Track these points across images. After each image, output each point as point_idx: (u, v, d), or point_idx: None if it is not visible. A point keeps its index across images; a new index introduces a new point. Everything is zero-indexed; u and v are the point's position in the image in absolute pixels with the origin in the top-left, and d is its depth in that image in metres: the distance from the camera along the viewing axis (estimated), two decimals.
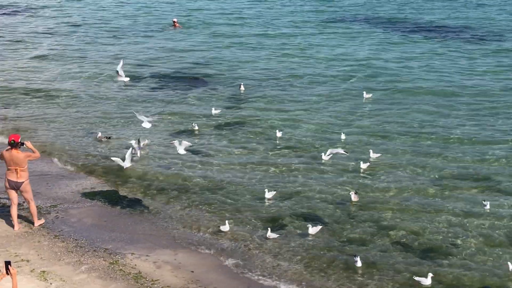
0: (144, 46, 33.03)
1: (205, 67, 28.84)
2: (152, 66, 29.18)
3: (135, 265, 12.91)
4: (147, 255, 13.38)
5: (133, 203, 15.94)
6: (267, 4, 46.46)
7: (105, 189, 16.66)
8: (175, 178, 17.36)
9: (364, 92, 23.77)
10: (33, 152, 13.90)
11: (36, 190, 16.23)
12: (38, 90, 25.52)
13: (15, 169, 13.69)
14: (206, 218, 15.21)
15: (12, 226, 14.13)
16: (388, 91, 24.94)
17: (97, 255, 13.19)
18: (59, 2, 46.85)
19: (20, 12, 43.22)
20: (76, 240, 13.87)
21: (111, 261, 12.95)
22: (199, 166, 18.17)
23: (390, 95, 24.46)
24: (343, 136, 19.47)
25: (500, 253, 13.55)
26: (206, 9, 44.60)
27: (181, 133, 20.60)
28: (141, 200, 16.12)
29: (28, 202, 14.18)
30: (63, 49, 32.57)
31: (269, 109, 22.95)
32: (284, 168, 17.89)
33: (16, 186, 13.84)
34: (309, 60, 29.95)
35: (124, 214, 15.40)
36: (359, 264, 12.86)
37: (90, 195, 15.99)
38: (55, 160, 18.72)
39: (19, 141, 13.66)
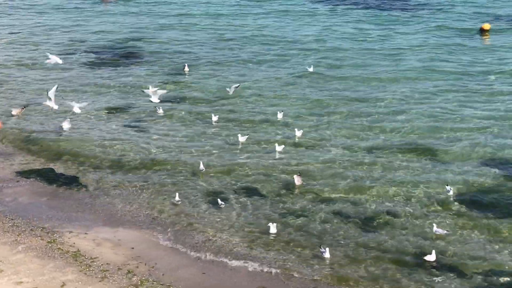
0: (74, 23, 31.95)
1: (140, 43, 28.28)
2: (85, 42, 28.49)
3: (74, 243, 12.79)
4: (85, 233, 13.26)
5: (70, 181, 15.71)
6: None
7: (41, 167, 16.34)
8: (111, 155, 17.14)
9: (308, 67, 23.68)
10: None
11: None
12: None
13: None
14: (144, 195, 15.10)
15: None
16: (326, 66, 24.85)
17: (34, 234, 13.01)
18: None
19: None
20: (12, 219, 13.65)
21: (49, 240, 12.79)
22: (135, 143, 17.92)
23: (328, 70, 24.33)
24: (280, 116, 19.25)
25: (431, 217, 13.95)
26: None
27: (118, 111, 20.28)
28: (78, 177, 15.90)
29: None
30: None
31: (208, 87, 22.64)
32: (224, 145, 17.78)
33: None
34: (250, 39, 29.23)
35: (61, 192, 15.18)
36: (327, 255, 12.63)
37: (25, 174, 15.69)
38: None
39: None
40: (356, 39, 28.41)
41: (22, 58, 26.04)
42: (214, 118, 18.97)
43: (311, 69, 23.57)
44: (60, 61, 20.71)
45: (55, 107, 18.92)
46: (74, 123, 19.01)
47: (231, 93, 19.93)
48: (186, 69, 23.95)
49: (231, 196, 14.98)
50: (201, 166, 15.39)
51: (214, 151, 17.34)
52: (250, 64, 25.06)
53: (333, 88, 22.18)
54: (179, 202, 14.58)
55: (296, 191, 15.08)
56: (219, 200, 14.54)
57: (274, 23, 31.65)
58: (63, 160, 16.84)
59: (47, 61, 20.85)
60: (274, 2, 36.38)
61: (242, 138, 17.40)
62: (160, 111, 19.60)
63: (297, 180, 15.22)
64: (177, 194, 14.70)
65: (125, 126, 18.88)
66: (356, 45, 27.34)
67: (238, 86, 20.18)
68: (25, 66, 25.10)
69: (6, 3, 35.77)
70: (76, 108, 19.07)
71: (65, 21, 32.23)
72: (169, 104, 20.72)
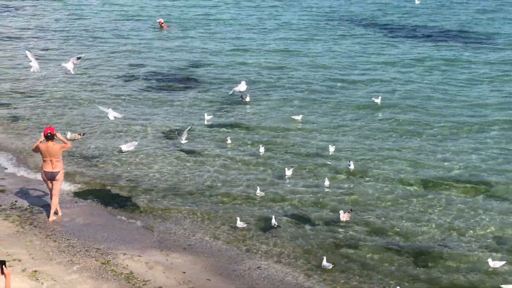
0: (131, 48, 32.57)
1: (195, 69, 28.64)
2: (142, 67, 28.99)
3: (127, 265, 12.92)
4: (139, 255, 13.39)
5: (125, 203, 15.93)
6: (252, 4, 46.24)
7: (97, 189, 16.64)
8: (167, 179, 17.34)
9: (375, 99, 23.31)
10: (65, 143, 14.59)
11: (28, 189, 16.28)
12: (24, 91, 25.40)
13: (50, 160, 14.32)
14: (197, 219, 15.22)
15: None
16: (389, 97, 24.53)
17: (89, 255, 13.19)
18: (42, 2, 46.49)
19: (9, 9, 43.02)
20: (68, 239, 13.87)
21: (103, 261, 12.96)
22: (191, 167, 18.15)
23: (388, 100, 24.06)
24: (331, 149, 19.02)
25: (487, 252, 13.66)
26: (193, 10, 44.10)
27: (171, 133, 20.53)
28: (132, 200, 16.12)
29: (54, 194, 14.68)
30: (51, 49, 32.35)
31: (263, 114, 22.68)
32: (276, 172, 17.78)
33: (52, 177, 14.45)
34: (306, 65, 29.30)
35: (116, 214, 15.40)
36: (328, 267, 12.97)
37: (83, 195, 15.98)
38: None
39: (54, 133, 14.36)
40: (421, 70, 28.13)
41: (85, 80, 26.53)
42: (261, 149, 18.91)
43: (378, 101, 23.11)
44: (70, 69, 20.75)
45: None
46: (135, 144, 19.29)
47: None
48: (247, 99, 23.66)
49: (283, 224, 14.95)
50: (273, 221, 14.91)
51: (265, 180, 17.36)
52: (309, 92, 24.93)
53: (389, 120, 21.95)
54: (244, 225, 14.65)
55: (348, 223, 14.95)
56: (273, 219, 14.63)
57: (339, 50, 31.63)
58: (119, 182, 17.08)
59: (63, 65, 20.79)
60: (338, 29, 36.56)
61: (288, 172, 17.34)
62: (183, 139, 19.37)
63: (345, 217, 15.00)
64: (238, 218, 14.75)
65: (181, 150, 19.10)
66: (420, 76, 26.96)
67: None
68: (86, 88, 25.55)
69: (67, 29, 36.67)
70: (111, 115, 19.46)
71: (124, 46, 32.86)
72: (224, 129, 20.89)
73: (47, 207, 15.31)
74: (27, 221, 14.60)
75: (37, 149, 14.57)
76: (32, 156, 18.41)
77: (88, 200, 15.93)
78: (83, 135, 19.79)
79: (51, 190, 14.78)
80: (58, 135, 14.61)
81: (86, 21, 38.85)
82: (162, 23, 37.40)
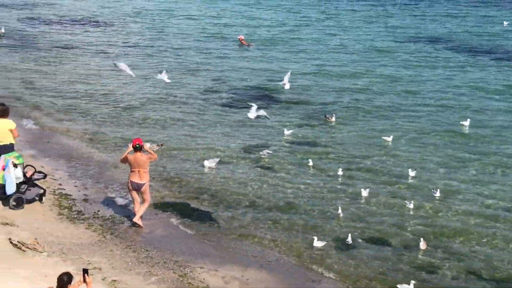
0: (213, 64, 32.92)
1: (276, 86, 28.67)
2: (223, 83, 29.28)
3: (204, 279, 12.99)
4: (215, 270, 13.45)
5: (204, 217, 16.05)
6: (341, 20, 46.02)
7: (177, 201, 16.82)
8: (246, 195, 17.37)
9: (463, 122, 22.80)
10: (152, 154, 14.93)
11: (111, 199, 16.63)
12: (117, 100, 26.04)
13: (138, 171, 14.67)
14: (275, 236, 15.18)
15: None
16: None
17: (167, 267, 13.33)
18: (134, 16, 47.65)
19: (100, 24, 44.28)
20: (147, 250, 14.06)
21: (181, 274, 13.06)
22: (271, 184, 18.14)
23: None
24: (411, 173, 18.58)
25: None
26: (273, 25, 44.32)
27: (252, 149, 20.61)
28: (211, 214, 16.22)
29: (144, 201, 15.10)
30: (139, 60, 33.14)
31: (346, 133, 22.51)
32: (355, 193, 17.53)
33: (138, 187, 14.83)
34: (393, 88, 28.66)
35: (195, 228, 15.51)
36: None
37: (163, 207, 16.17)
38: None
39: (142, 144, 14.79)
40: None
41: (166, 95, 27.01)
42: (340, 171, 18.64)
43: (466, 124, 22.60)
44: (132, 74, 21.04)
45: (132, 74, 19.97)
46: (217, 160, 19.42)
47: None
48: (332, 119, 23.43)
49: (360, 244, 14.81)
50: (349, 239, 14.81)
51: (344, 199, 17.20)
52: (394, 115, 24.57)
53: (476, 146, 21.42)
54: (321, 245, 14.52)
55: (427, 247, 14.61)
56: (349, 237, 14.61)
57: (425, 74, 31.03)
58: (200, 197, 17.21)
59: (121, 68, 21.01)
60: (424, 51, 35.95)
61: (365, 193, 17.15)
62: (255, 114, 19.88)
63: (424, 245, 14.63)
64: (315, 238, 14.65)
65: (260, 167, 19.19)
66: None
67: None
68: (167, 103, 26.00)
69: (151, 45, 37.45)
70: (164, 77, 19.79)
71: (206, 62, 33.34)
72: (304, 147, 20.82)
73: (128, 217, 15.60)
74: (109, 230, 14.89)
75: (125, 160, 14.93)
76: (115, 167, 18.83)
77: (168, 213, 16.11)
78: (162, 145, 20.08)
79: (134, 200, 15.08)
80: (145, 146, 14.93)
81: (170, 38, 39.58)
82: (242, 40, 37.76)
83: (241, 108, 25.39)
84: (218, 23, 44.69)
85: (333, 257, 14.26)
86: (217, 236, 15.15)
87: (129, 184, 14.93)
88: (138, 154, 14.68)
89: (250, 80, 29.15)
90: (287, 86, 24.78)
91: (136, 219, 15.06)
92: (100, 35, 40.11)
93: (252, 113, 19.71)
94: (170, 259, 13.74)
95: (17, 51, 34.59)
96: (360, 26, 44.18)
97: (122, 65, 20.47)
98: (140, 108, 24.92)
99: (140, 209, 15.13)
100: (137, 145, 14.66)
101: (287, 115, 24.36)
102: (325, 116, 23.62)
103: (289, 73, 24.92)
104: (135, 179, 14.80)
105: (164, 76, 21.42)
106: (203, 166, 19.05)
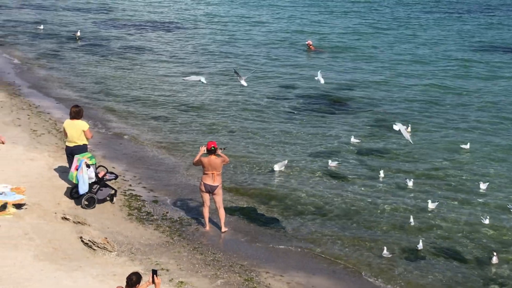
0: (281, 69, 32.96)
1: (343, 91, 28.56)
2: (291, 88, 29.26)
3: (269, 284, 12.99)
4: (281, 275, 13.43)
5: (271, 223, 16.05)
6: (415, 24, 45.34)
7: (245, 206, 16.88)
8: (314, 201, 17.27)
9: None
10: (224, 158, 15.08)
11: (179, 202, 16.84)
12: (186, 104, 26.35)
13: (212, 173, 14.81)
14: (342, 244, 15.05)
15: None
16: None
17: (233, 270, 13.39)
18: (205, 21, 48.14)
19: (172, 29, 44.94)
20: (213, 253, 14.16)
21: (246, 278, 13.10)
22: (339, 192, 17.98)
23: None
24: (483, 186, 18.01)
25: None
26: (344, 32, 44.01)
27: (319, 155, 20.52)
28: (279, 220, 16.20)
29: (218, 207, 15.21)
30: (209, 65, 33.45)
31: (420, 142, 22.01)
32: (424, 204, 17.12)
33: (211, 189, 14.97)
34: (467, 100, 27.76)
35: (261, 233, 15.54)
36: None
37: (230, 210, 16.23)
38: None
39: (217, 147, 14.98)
40: None
41: (235, 100, 27.21)
42: (409, 182, 18.27)
43: None
44: (322, 80, 21.25)
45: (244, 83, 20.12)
46: (286, 167, 19.39)
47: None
48: (408, 130, 22.46)
49: (430, 255, 14.54)
50: (420, 245, 14.66)
51: (414, 208, 16.91)
52: (468, 127, 23.88)
53: None
54: (390, 255, 14.34)
55: (501, 263, 14.23)
56: (420, 243, 14.46)
57: (503, 84, 30.17)
58: (267, 201, 17.24)
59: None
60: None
61: (432, 205, 16.76)
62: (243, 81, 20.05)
63: (496, 260, 14.23)
64: (385, 248, 14.47)
65: (328, 174, 19.07)
66: None
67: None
68: (237, 107, 26.13)
69: (221, 51, 37.73)
70: (203, 79, 20.20)
71: (276, 67, 33.40)
72: (372, 155, 20.62)
73: (195, 219, 15.78)
74: (176, 232, 15.08)
75: (198, 163, 15.08)
76: (184, 170, 19.07)
77: (235, 216, 16.19)
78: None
79: (204, 202, 15.22)
80: (218, 150, 15.06)
81: (240, 44, 39.81)
82: (310, 45, 37.70)
83: (308, 112, 25.36)
84: (288, 29, 44.72)
85: (402, 268, 14.03)
86: (283, 241, 15.12)
87: (202, 186, 15.06)
88: (213, 156, 14.81)
89: (318, 87, 29.00)
90: (322, 81, 24.36)
91: (223, 229, 15.30)
92: (172, 40, 40.76)
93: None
94: (236, 263, 13.80)
95: (92, 54, 35.51)
96: (433, 34, 43.32)
97: (192, 78, 20.92)
98: (209, 114, 25.13)
99: (220, 217, 15.29)
100: (212, 148, 14.79)
101: (355, 123, 24.10)
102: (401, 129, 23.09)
103: (319, 72, 24.61)
104: (209, 181, 14.92)
105: (242, 80, 21.60)
106: (272, 171, 19.05)
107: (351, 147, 21.38)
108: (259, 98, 27.40)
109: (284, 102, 26.89)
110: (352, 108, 26.19)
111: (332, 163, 19.46)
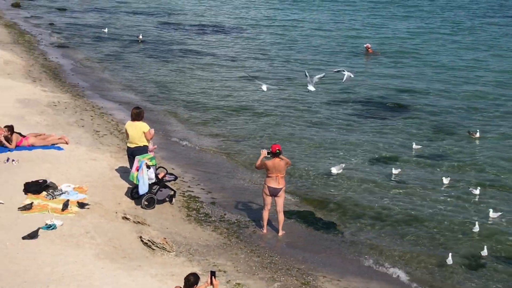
0: (338, 75, 32.49)
1: (404, 96, 28.19)
2: (350, 92, 29.07)
3: None
4: (338, 280, 13.37)
5: (328, 226, 15.98)
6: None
7: (302, 209, 16.85)
8: (373, 207, 17.11)
9: None
10: (287, 160, 15.13)
11: (237, 204, 16.93)
12: (245, 108, 26.47)
13: (276, 176, 14.85)
14: (402, 251, 14.88)
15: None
16: None
17: (289, 274, 13.37)
18: (264, 25, 48.16)
19: (232, 33, 45.16)
20: (271, 256, 14.18)
21: (303, 282, 13.07)
22: (398, 197, 17.80)
23: None
24: None
25: None
26: (405, 37, 43.38)
27: (378, 161, 20.33)
28: (336, 224, 16.12)
29: (278, 211, 15.22)
30: (269, 71, 33.49)
31: (489, 149, 21.54)
32: (488, 212, 16.67)
33: (275, 192, 15.03)
34: None
35: (318, 236, 15.51)
36: None
37: (287, 214, 16.16)
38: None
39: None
40: None
41: (294, 103, 27.14)
42: (475, 191, 17.74)
43: None
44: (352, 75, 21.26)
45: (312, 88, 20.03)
46: (344, 169, 19.31)
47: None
48: (476, 135, 22.32)
49: (494, 265, 14.24)
50: (485, 252, 14.41)
51: (477, 216, 16.58)
52: None
53: None
54: (451, 262, 14.11)
55: None
56: (485, 249, 14.19)
57: None
58: (325, 205, 17.18)
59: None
60: None
61: (493, 214, 16.37)
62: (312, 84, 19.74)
63: None
64: (450, 254, 14.23)
65: (387, 179, 18.93)
66: None
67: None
68: (296, 109, 26.12)
69: (280, 56, 37.69)
70: (264, 87, 20.12)
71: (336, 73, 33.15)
72: (434, 161, 20.30)
73: (253, 222, 15.86)
74: (234, 234, 15.16)
75: (261, 166, 15.10)
76: (242, 173, 19.18)
77: (293, 220, 16.16)
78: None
79: (265, 205, 15.25)
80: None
81: (299, 48, 39.70)
82: (369, 48, 37.45)
83: (367, 116, 25.17)
84: (348, 34, 44.41)
85: (464, 276, 13.79)
86: (341, 246, 15.06)
87: (266, 190, 15.06)
88: (277, 159, 14.82)
89: (378, 92, 28.77)
90: (349, 75, 23.99)
91: (280, 233, 15.32)
92: (232, 43, 40.97)
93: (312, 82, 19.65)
94: (293, 266, 13.79)
95: (153, 57, 36.00)
96: (498, 40, 42.30)
97: (256, 82, 21.03)
98: (268, 118, 25.13)
99: (279, 220, 15.28)
100: (277, 151, 14.82)
101: (416, 129, 23.71)
102: (469, 132, 22.61)
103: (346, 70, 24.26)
104: (273, 184, 14.93)
105: (310, 85, 21.50)
106: (330, 175, 18.96)
107: (413, 154, 21.07)
108: (318, 103, 27.28)
109: (343, 107, 26.70)
110: (413, 114, 25.77)
111: (394, 170, 19.16)
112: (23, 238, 13.12)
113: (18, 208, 14.42)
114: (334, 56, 37.11)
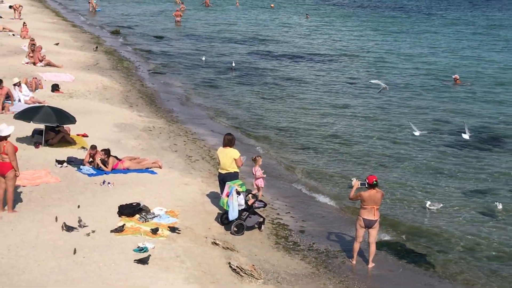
0: (428, 107, 31.89)
1: (501, 127, 27.38)
2: (449, 123, 28.44)
3: None
4: None
5: (419, 259, 15.62)
6: None
7: (393, 241, 16.55)
8: (467, 239, 16.67)
9: None
10: (382, 192, 14.93)
11: (326, 233, 16.78)
12: (336, 136, 26.36)
13: (372, 208, 14.67)
14: (496, 286, 14.32)
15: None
16: None
17: None
18: (354, 52, 47.91)
19: (323, 61, 45.16)
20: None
21: None
22: (494, 230, 17.28)
23: None
24: None
25: None
26: (497, 67, 42.16)
27: (476, 193, 19.70)
28: (427, 256, 15.73)
29: (371, 242, 14.98)
30: (361, 99, 33.27)
31: None
32: None
33: (370, 224, 14.83)
34: None
35: (409, 269, 15.17)
36: None
37: (378, 245, 15.81)
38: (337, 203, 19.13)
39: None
40: None
41: (384, 134, 26.83)
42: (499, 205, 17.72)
43: None
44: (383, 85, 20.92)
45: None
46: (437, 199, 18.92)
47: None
48: None
49: None
50: None
51: None
52: None
53: None
54: None
55: None
56: None
57: None
58: (417, 238, 16.80)
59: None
60: None
61: None
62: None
63: None
64: None
65: (478, 211, 18.38)
66: None
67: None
68: (386, 141, 25.79)
69: (368, 84, 37.37)
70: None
71: (423, 100, 32.70)
72: None
73: (342, 252, 15.68)
74: (323, 264, 15.02)
75: (356, 198, 14.85)
76: (333, 201, 19.08)
77: (383, 252, 15.87)
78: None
79: (357, 237, 15.02)
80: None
81: (389, 76, 39.27)
82: (457, 79, 36.76)
83: (463, 151, 24.43)
84: (438, 62, 43.70)
85: None
86: (431, 280, 14.68)
87: (361, 222, 14.80)
88: (373, 191, 14.56)
89: (469, 123, 27.99)
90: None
91: (370, 264, 15.09)
92: (322, 71, 41.01)
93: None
94: None
95: (245, 84, 36.46)
96: None
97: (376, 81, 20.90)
98: (358, 146, 24.96)
99: (371, 252, 15.05)
100: (374, 182, 14.56)
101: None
102: None
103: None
104: (369, 216, 14.68)
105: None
106: (423, 207, 18.53)
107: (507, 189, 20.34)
108: (410, 131, 26.80)
109: (437, 137, 26.14)
110: (509, 144, 24.97)
111: (498, 205, 18.47)
112: (135, 261, 13.30)
113: (111, 231, 14.80)
114: (421, 82, 36.53)
